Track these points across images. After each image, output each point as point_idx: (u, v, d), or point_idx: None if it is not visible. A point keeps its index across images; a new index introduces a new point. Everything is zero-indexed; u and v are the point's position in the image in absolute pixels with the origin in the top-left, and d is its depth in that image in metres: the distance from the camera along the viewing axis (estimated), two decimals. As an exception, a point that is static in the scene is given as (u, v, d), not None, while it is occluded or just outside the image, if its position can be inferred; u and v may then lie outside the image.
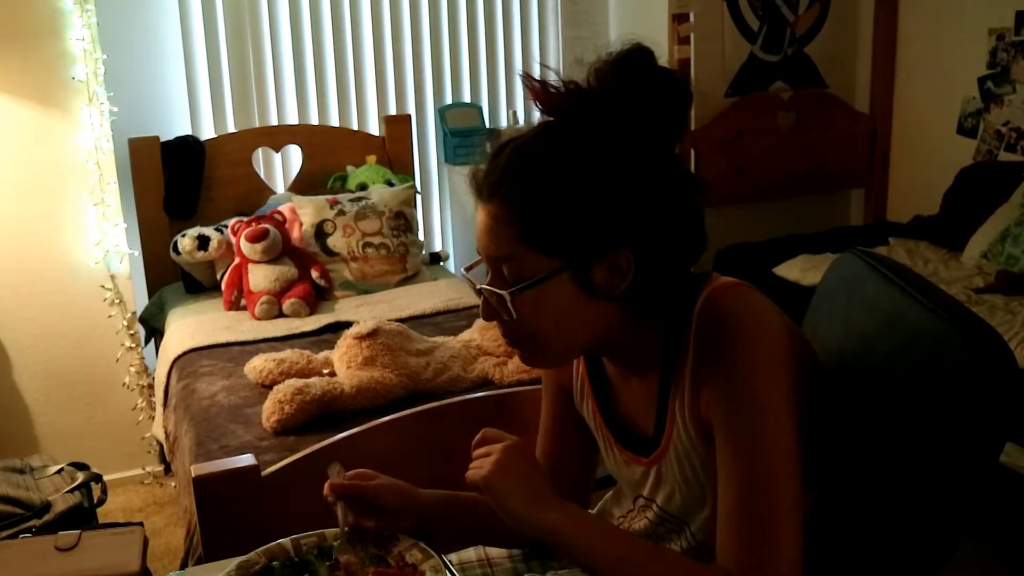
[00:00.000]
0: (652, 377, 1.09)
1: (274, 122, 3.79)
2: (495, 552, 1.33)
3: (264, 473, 1.67)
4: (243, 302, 3.11)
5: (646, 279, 1.01)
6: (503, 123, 4.13)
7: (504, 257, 1.02)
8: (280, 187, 3.75)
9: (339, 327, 2.81)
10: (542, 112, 1.04)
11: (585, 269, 1.00)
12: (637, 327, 1.06)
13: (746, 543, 0.94)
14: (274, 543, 1.16)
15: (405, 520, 1.17)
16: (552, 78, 1.02)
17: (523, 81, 1.03)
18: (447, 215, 4.22)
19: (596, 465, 1.30)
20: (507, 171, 1.00)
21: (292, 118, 3.82)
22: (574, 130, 1.00)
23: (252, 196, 3.53)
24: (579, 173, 0.98)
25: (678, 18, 3.63)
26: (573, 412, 1.25)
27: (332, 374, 2.42)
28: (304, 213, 3.33)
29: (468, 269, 1.10)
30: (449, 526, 1.24)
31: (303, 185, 3.63)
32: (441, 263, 3.77)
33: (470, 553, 1.33)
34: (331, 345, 2.58)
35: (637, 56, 1.01)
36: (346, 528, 1.14)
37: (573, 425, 1.25)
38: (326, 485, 1.15)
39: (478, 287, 1.05)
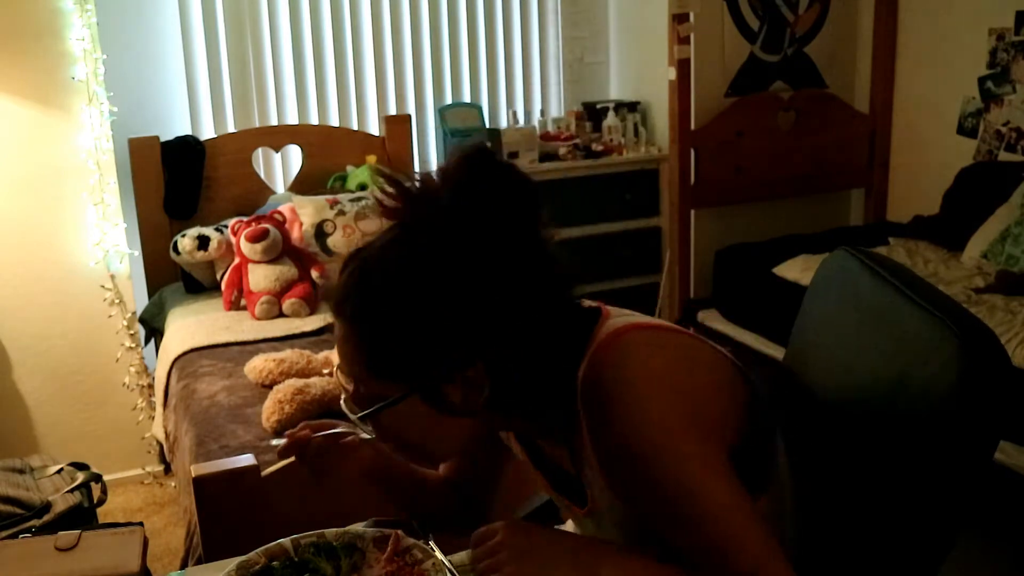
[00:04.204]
0: (561, 447, 1.07)
1: (274, 122, 3.79)
2: None
3: (264, 473, 1.67)
4: (243, 302, 3.11)
5: (508, 382, 0.97)
6: (503, 123, 4.14)
7: (355, 376, 0.99)
8: (280, 187, 3.75)
9: (339, 327, 2.81)
10: (388, 219, 0.98)
11: (435, 391, 0.96)
12: (520, 416, 1.04)
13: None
14: (274, 543, 1.16)
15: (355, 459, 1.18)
16: (405, 180, 0.96)
17: (373, 181, 0.98)
18: (447, 215, 4.21)
19: (504, 474, 1.30)
20: (348, 293, 0.97)
21: (292, 118, 3.82)
22: (419, 244, 0.95)
23: (252, 196, 3.53)
24: (418, 298, 0.93)
25: (678, 18, 3.63)
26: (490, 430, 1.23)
27: (332, 374, 2.42)
28: (304, 213, 3.33)
29: (342, 370, 1.06)
30: (384, 478, 1.24)
31: (303, 185, 3.63)
32: (441, 263, 3.77)
33: (463, 556, 1.33)
34: (331, 345, 2.58)
35: (480, 157, 0.97)
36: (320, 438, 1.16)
37: (486, 440, 1.24)
38: (283, 448, 1.16)
39: (341, 402, 1.03)
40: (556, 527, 1.34)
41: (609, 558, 0.97)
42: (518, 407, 1.01)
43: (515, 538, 0.96)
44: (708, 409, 0.97)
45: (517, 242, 0.96)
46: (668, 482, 0.92)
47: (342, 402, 1.02)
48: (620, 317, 1.03)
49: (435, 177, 0.97)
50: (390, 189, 0.96)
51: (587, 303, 1.06)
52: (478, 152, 0.97)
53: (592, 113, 4.16)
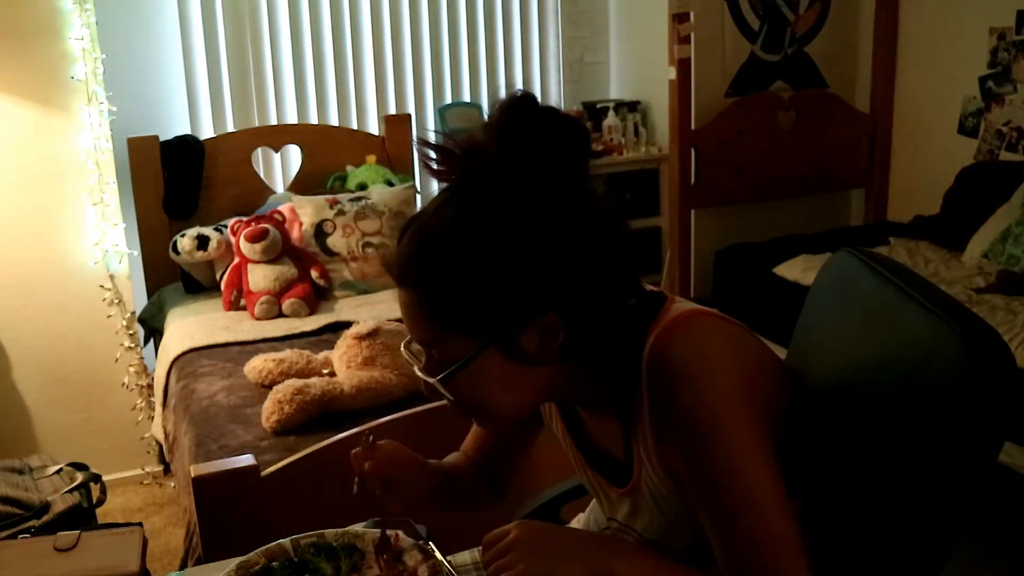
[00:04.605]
0: (613, 420, 1.08)
1: (274, 122, 3.79)
2: None
3: (264, 473, 1.67)
4: (243, 302, 3.10)
5: (581, 332, 0.98)
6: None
7: (427, 342, 1.00)
8: (280, 187, 3.75)
9: (339, 327, 2.81)
10: (440, 180, 0.99)
11: (511, 341, 0.96)
12: (586, 377, 1.04)
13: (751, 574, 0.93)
14: (274, 543, 1.16)
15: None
16: (447, 142, 0.97)
17: (417, 150, 0.99)
18: (447, 215, 4.21)
19: (526, 460, 1.31)
20: (410, 257, 0.97)
21: (292, 118, 3.82)
22: (475, 197, 0.96)
23: (252, 196, 3.53)
24: (484, 249, 0.94)
25: (678, 18, 3.63)
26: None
27: (332, 374, 2.41)
28: (304, 213, 3.32)
29: (408, 345, 1.06)
30: (436, 495, 1.27)
31: (303, 185, 3.63)
32: (441, 263, 3.76)
33: (464, 556, 1.32)
34: (331, 345, 2.58)
35: (523, 103, 0.98)
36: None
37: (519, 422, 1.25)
38: (355, 456, 1.15)
39: (414, 370, 1.04)
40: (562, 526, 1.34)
41: (620, 553, 0.98)
42: (590, 359, 1.01)
43: (526, 536, 0.97)
44: (764, 400, 1.00)
45: (570, 182, 0.97)
46: (722, 460, 0.94)
47: (417, 371, 1.03)
48: (686, 303, 1.05)
49: (480, 132, 0.97)
50: (434, 155, 0.97)
51: (650, 287, 1.08)
52: (521, 98, 0.98)
53: (592, 113, 4.16)
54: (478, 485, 1.32)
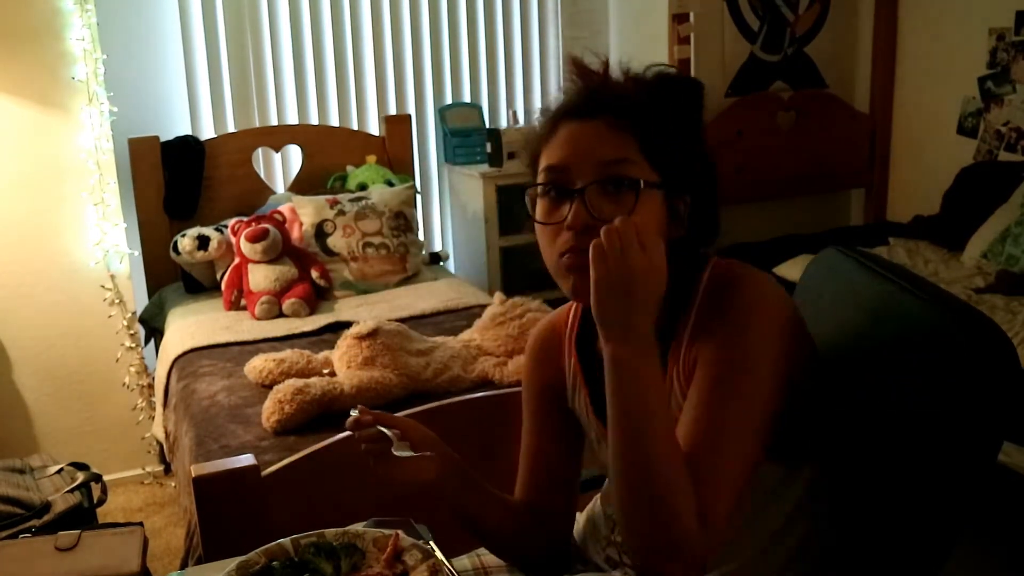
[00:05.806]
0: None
1: (274, 122, 3.79)
2: (490, 560, 1.32)
3: (264, 473, 1.67)
4: (243, 302, 3.11)
5: (686, 231, 1.10)
6: (503, 123, 4.14)
7: (620, 160, 1.06)
8: (280, 187, 3.75)
9: (339, 327, 2.81)
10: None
11: (674, 195, 1.09)
12: (672, 274, 1.07)
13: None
14: (274, 543, 1.16)
15: (430, 459, 1.15)
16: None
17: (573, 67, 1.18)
18: (447, 215, 4.22)
19: (581, 462, 1.30)
20: (652, 84, 1.12)
21: (292, 118, 3.82)
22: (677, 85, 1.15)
23: (252, 196, 3.53)
24: (694, 111, 1.14)
25: (678, 18, 3.63)
26: (556, 411, 1.26)
27: (332, 374, 2.41)
28: (304, 213, 3.33)
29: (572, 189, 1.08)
30: (458, 496, 1.22)
31: (303, 185, 3.63)
32: (441, 263, 3.77)
33: (464, 562, 1.32)
34: (331, 345, 2.58)
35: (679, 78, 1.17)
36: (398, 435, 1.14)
37: (557, 424, 1.26)
38: (351, 421, 1.14)
39: (579, 186, 1.06)
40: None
41: (656, 379, 0.98)
42: (678, 258, 1.07)
43: (634, 268, 0.97)
44: (795, 351, 1.05)
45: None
46: (738, 356, 1.01)
47: (599, 186, 1.07)
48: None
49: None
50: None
51: None
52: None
53: (592, 113, 4.15)
54: (527, 523, 1.27)
